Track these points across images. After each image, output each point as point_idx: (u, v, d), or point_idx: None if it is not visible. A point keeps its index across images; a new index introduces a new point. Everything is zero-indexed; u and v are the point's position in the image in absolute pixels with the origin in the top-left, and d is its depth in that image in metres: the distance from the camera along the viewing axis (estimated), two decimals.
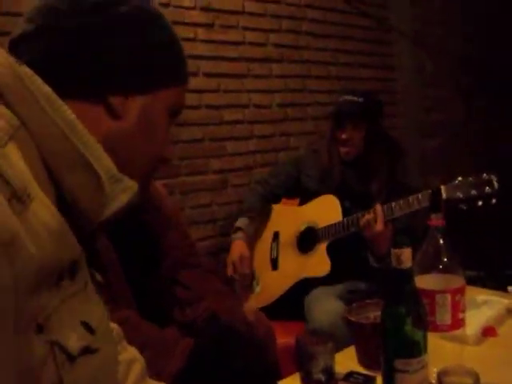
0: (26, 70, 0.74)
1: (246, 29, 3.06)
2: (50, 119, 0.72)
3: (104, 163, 0.76)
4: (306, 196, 2.55)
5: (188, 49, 2.81)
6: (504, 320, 1.60)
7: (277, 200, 2.68)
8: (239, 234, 2.51)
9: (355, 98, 2.40)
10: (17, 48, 0.78)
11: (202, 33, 2.87)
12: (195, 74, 2.85)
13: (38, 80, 0.74)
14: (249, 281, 2.50)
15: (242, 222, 2.55)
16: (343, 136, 2.41)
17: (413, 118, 4.07)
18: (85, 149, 0.74)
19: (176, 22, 2.72)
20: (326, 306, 2.18)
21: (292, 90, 3.31)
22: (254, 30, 3.10)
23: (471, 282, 2.59)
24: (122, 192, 0.78)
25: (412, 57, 4.07)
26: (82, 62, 0.78)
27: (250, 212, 2.59)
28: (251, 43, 3.09)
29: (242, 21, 3.04)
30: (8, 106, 0.71)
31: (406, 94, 4.04)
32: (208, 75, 2.90)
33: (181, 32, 2.76)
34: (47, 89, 0.74)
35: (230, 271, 2.46)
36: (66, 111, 0.74)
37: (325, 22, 3.51)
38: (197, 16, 2.84)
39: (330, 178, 2.47)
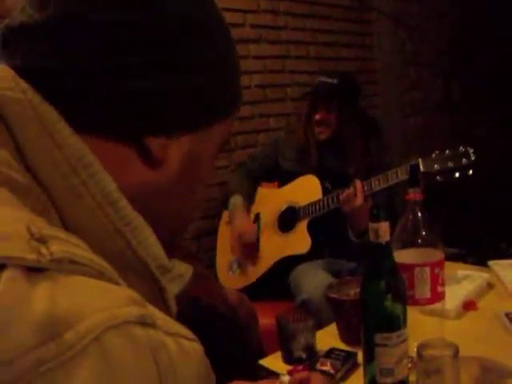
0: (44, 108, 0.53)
1: (224, 9, 2.97)
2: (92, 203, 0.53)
3: (153, 251, 0.58)
4: (285, 178, 2.56)
5: None
6: (484, 294, 1.61)
7: (257, 183, 2.68)
8: (239, 206, 2.55)
9: (329, 80, 2.41)
10: (14, 43, 0.56)
11: None
12: None
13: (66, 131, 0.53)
14: (254, 251, 2.51)
15: (237, 198, 2.56)
16: (317, 117, 2.42)
17: (393, 97, 4.07)
18: (131, 235, 0.55)
19: None
20: (313, 278, 2.19)
21: (271, 70, 3.29)
22: (231, 10, 3.06)
23: (452, 258, 2.62)
24: (171, 282, 0.61)
25: (392, 36, 4.06)
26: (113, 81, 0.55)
27: (239, 192, 2.59)
28: (229, 24, 3.04)
29: (219, 1, 2.95)
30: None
31: (386, 73, 4.04)
32: None
33: None
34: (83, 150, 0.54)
35: (234, 241, 2.50)
36: (105, 179, 0.55)
37: (303, 2, 3.48)
38: None
39: (307, 158, 2.48)
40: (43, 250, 0.44)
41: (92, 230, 0.53)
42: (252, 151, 2.92)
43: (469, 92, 4.13)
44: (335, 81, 2.40)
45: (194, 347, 0.51)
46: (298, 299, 2.17)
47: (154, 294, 0.57)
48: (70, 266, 0.45)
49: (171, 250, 0.66)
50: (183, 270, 0.63)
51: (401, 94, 4.12)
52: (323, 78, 2.44)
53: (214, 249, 2.70)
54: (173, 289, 0.61)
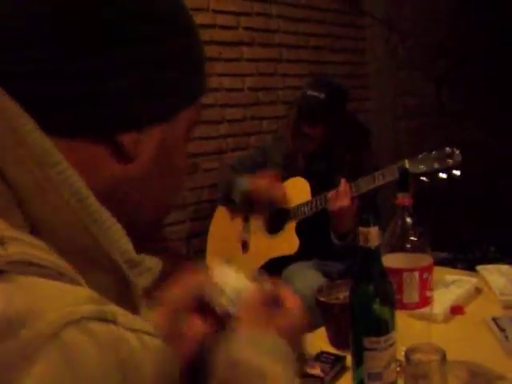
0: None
1: (216, 12, 3.03)
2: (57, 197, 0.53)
3: (121, 246, 0.58)
4: None
5: None
6: (472, 298, 1.62)
7: None
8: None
9: (316, 94, 2.36)
10: None
11: None
12: None
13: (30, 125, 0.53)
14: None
15: (242, 179, 2.50)
16: (304, 130, 2.41)
17: (385, 101, 4.09)
18: (99, 231, 0.55)
19: None
20: (304, 278, 2.20)
21: (263, 73, 3.30)
22: (224, 13, 3.07)
23: (442, 263, 2.63)
24: (139, 276, 0.61)
25: (384, 41, 4.08)
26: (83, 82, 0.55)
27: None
28: (222, 26, 3.06)
29: (212, 4, 3.01)
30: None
31: (377, 77, 4.06)
32: None
33: None
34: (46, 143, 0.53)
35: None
36: (72, 177, 0.54)
37: (296, 6, 3.49)
38: None
39: (295, 165, 2.48)
40: (1, 252, 0.45)
41: (58, 226, 0.53)
42: (240, 155, 2.91)
43: (460, 97, 4.14)
44: (322, 95, 2.35)
45: (158, 344, 0.51)
46: None
47: (121, 288, 0.58)
48: (28, 267, 0.45)
49: (153, 238, 0.70)
50: (153, 264, 0.63)
51: (393, 98, 4.14)
52: (310, 92, 2.38)
53: (204, 250, 2.71)
54: (142, 282, 0.61)
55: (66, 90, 0.54)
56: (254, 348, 0.66)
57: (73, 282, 0.49)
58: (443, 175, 1.88)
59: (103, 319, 0.47)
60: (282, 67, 3.41)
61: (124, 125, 0.57)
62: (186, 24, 0.64)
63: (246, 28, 3.19)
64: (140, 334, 0.50)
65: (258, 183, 2.40)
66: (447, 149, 1.92)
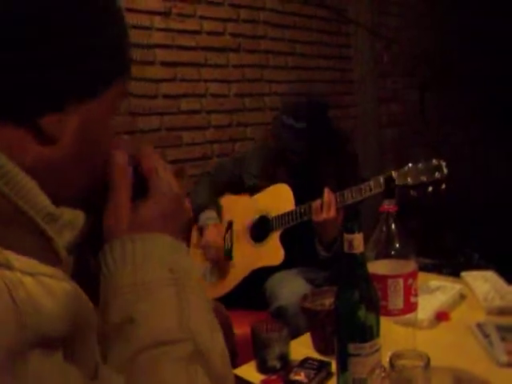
0: None
1: (203, 18, 3.03)
2: None
3: (37, 202, 0.58)
4: (252, 192, 2.54)
5: (144, 37, 2.77)
6: (457, 305, 1.63)
7: (221, 196, 2.65)
8: (215, 219, 2.51)
9: (296, 124, 2.31)
10: None
11: (158, 21, 2.83)
12: (151, 63, 2.81)
13: None
14: (225, 262, 2.50)
15: (211, 213, 2.53)
16: (285, 155, 2.39)
17: (369, 108, 4.11)
18: (11, 192, 0.56)
19: (131, 10, 2.68)
20: (289, 285, 2.18)
21: (249, 79, 3.30)
22: (211, 19, 3.08)
23: (427, 269, 2.64)
24: (62, 230, 0.61)
25: (369, 48, 4.10)
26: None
27: (211, 207, 2.56)
28: (209, 32, 3.07)
29: (199, 10, 3.01)
30: None
31: (362, 84, 4.08)
32: (165, 64, 2.87)
33: (136, 20, 2.72)
34: None
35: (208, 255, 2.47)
36: None
37: (283, 12, 3.51)
38: (153, 4, 2.81)
39: (276, 175, 2.46)
40: None
41: None
42: (216, 162, 2.90)
43: (444, 103, 4.18)
44: (301, 125, 2.30)
45: (63, 286, 0.51)
46: (273, 306, 2.17)
47: (41, 244, 0.58)
48: None
49: (99, 198, 0.71)
50: (73, 217, 0.62)
51: (377, 105, 4.17)
52: (289, 121, 2.31)
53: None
54: (66, 237, 0.61)
55: None
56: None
57: None
58: (430, 189, 1.87)
59: None
60: (268, 73, 3.42)
61: (44, 108, 0.58)
62: (101, 7, 0.64)
63: (233, 34, 3.20)
64: (40, 277, 0.50)
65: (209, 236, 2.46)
66: (434, 161, 1.90)
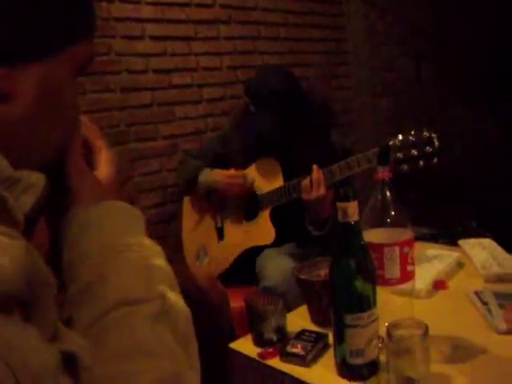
0: None
1: None
2: None
3: None
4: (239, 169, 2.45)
5: (133, 11, 2.72)
6: (454, 273, 1.62)
7: None
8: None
9: (266, 82, 2.24)
10: None
11: None
12: (141, 38, 2.77)
13: None
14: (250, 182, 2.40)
15: (207, 170, 2.43)
16: (259, 120, 2.27)
17: (364, 77, 4.06)
18: None
19: None
20: (277, 264, 2.17)
21: (241, 51, 3.25)
22: None
23: (425, 239, 2.63)
24: (23, 193, 0.59)
25: (363, 17, 4.05)
26: None
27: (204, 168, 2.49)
28: (198, 4, 3.01)
29: None
30: None
31: (357, 54, 4.03)
32: (154, 38, 2.82)
33: None
34: None
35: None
36: None
37: None
38: None
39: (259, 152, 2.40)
40: None
41: None
42: (197, 148, 2.78)
43: (440, 72, 4.14)
44: (273, 82, 2.23)
45: (17, 244, 0.50)
46: (260, 285, 2.16)
47: None
48: None
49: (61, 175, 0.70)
50: (34, 179, 0.61)
51: (372, 74, 4.12)
52: (261, 111, 2.24)
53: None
54: (27, 200, 0.59)
55: None
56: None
57: None
58: (421, 163, 1.81)
59: None
60: (260, 45, 3.37)
61: None
62: None
63: (223, 6, 3.14)
64: None
65: (223, 174, 2.37)
66: (425, 133, 1.84)
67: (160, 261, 0.70)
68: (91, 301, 0.62)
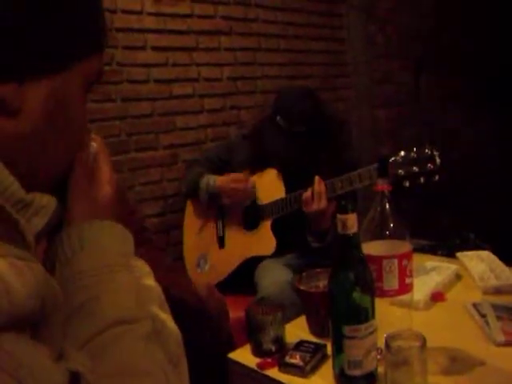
0: None
1: (194, 1, 2.99)
2: None
3: (5, 189, 0.57)
4: None
5: (135, 22, 2.74)
6: (452, 285, 1.62)
7: None
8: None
9: (290, 127, 2.30)
10: None
11: (149, 5, 2.79)
12: (143, 48, 2.78)
13: None
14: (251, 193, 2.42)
15: (210, 176, 2.46)
16: (286, 138, 2.33)
17: (363, 89, 4.08)
18: None
19: None
20: (274, 275, 2.18)
21: (242, 63, 3.27)
22: (202, 2, 3.03)
23: (423, 250, 2.64)
24: (34, 215, 0.61)
25: (362, 29, 4.07)
26: None
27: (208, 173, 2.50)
28: (200, 16, 3.03)
29: None
30: None
31: (356, 66, 4.05)
32: (156, 49, 2.84)
33: (127, 4, 2.69)
34: None
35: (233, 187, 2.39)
36: None
37: None
38: None
39: (266, 163, 2.42)
40: None
41: None
42: (202, 153, 2.85)
43: (440, 84, 4.16)
44: (300, 129, 2.29)
45: (31, 267, 0.51)
46: (257, 296, 2.16)
47: (8, 229, 0.55)
48: None
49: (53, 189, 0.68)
50: (45, 202, 0.62)
51: (371, 86, 4.14)
52: (285, 124, 2.30)
53: (182, 242, 2.69)
54: (38, 222, 0.61)
55: None
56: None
57: None
58: (422, 180, 1.81)
59: None
60: (260, 56, 3.38)
61: (2, 76, 0.55)
62: None
63: (224, 17, 3.16)
64: (10, 259, 0.49)
65: (226, 180, 2.38)
66: (427, 150, 1.84)
67: (150, 281, 0.72)
68: (88, 318, 0.62)
